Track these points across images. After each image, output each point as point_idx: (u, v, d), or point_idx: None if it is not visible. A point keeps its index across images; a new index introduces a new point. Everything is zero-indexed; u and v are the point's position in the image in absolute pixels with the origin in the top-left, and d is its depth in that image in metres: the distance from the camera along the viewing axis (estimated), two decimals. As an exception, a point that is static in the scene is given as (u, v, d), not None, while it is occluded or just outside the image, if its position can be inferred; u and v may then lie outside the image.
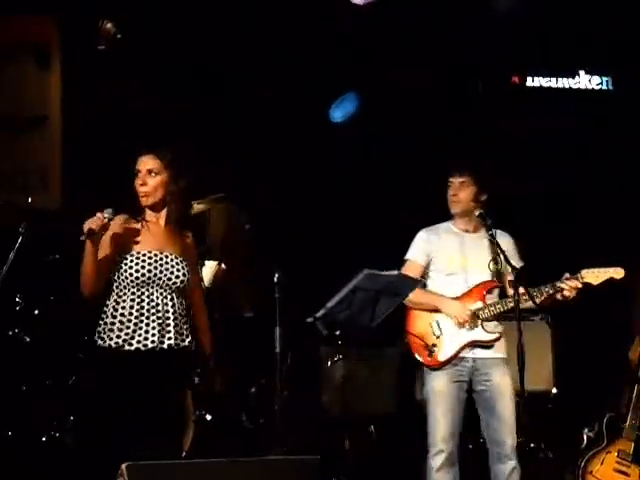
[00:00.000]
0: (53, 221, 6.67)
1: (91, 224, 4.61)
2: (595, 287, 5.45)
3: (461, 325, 5.57)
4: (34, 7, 7.46)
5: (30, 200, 6.40)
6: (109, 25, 7.25)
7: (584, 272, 5.43)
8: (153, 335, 4.70)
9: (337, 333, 5.88)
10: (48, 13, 7.55)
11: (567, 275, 5.45)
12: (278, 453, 5.79)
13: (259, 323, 6.86)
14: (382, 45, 7.85)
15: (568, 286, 5.41)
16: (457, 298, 5.63)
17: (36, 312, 6.33)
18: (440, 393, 5.56)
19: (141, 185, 4.82)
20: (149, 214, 4.89)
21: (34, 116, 7.63)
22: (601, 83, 8.50)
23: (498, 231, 5.63)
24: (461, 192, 5.68)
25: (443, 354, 5.58)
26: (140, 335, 4.69)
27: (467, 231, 5.74)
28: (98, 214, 4.66)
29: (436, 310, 5.63)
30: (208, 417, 6.39)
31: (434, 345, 5.59)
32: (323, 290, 5.62)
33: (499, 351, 5.60)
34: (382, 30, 7.75)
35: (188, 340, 4.83)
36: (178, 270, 4.80)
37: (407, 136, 7.99)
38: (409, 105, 8.04)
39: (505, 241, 5.64)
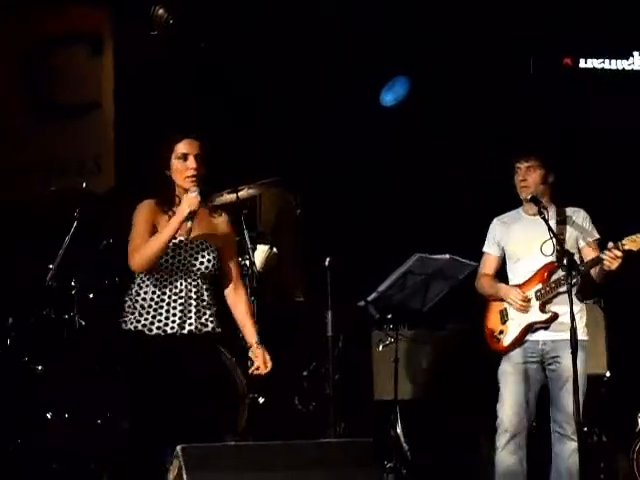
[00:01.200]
0: (107, 205, 6.71)
1: (193, 206, 4.57)
2: (637, 253, 5.35)
3: (520, 310, 5.59)
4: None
5: (84, 185, 6.44)
6: (161, 11, 7.28)
7: (625, 240, 5.35)
8: (173, 322, 4.69)
9: (389, 317, 5.89)
10: (101, 0, 7.63)
11: (610, 244, 5.39)
12: (330, 436, 5.82)
13: (310, 307, 6.89)
14: (433, 25, 7.82)
15: (608, 257, 5.34)
16: (524, 283, 5.63)
17: (91, 296, 6.37)
18: (507, 374, 5.60)
19: (194, 168, 4.70)
20: (169, 199, 4.77)
21: (88, 102, 7.72)
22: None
23: (571, 209, 5.65)
24: (529, 176, 5.63)
25: (507, 339, 5.62)
26: (160, 321, 4.68)
27: (534, 215, 5.63)
28: (192, 195, 4.60)
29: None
30: (261, 400, 6.43)
31: (501, 332, 5.64)
32: (374, 274, 5.65)
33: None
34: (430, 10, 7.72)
35: (212, 325, 4.78)
36: (203, 256, 4.74)
37: (461, 118, 7.95)
38: (460, 85, 8.00)
39: (580, 217, 5.64)
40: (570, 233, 5.61)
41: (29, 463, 5.98)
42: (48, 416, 6.08)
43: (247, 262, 6.43)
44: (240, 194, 6.49)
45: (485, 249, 5.83)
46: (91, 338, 6.28)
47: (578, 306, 5.50)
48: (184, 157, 4.72)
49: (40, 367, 6.18)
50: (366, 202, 7.77)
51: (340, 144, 7.75)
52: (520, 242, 5.68)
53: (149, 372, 4.66)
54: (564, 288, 5.41)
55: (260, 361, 4.87)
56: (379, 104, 8.15)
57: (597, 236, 5.65)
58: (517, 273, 5.69)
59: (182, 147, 4.73)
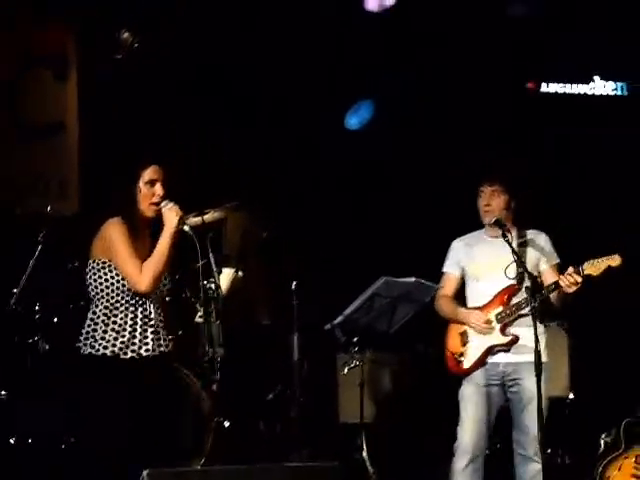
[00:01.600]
0: (71, 228, 6.69)
1: (179, 213, 4.68)
2: (596, 278, 5.38)
3: (482, 333, 5.62)
4: (50, 18, 7.53)
5: (49, 209, 6.42)
6: (126, 35, 7.31)
7: (585, 264, 5.39)
8: (147, 344, 4.72)
9: (355, 340, 5.92)
10: (65, 24, 7.62)
11: (569, 269, 5.41)
12: (295, 459, 5.82)
13: (276, 330, 6.90)
14: (398, 51, 7.88)
15: (568, 281, 5.38)
16: (484, 305, 5.65)
17: (55, 320, 6.34)
18: (468, 396, 5.60)
19: (159, 195, 4.74)
20: (142, 224, 4.80)
21: (52, 124, 7.70)
22: (616, 89, 8.50)
23: (532, 231, 5.69)
24: (493, 201, 5.67)
25: (467, 361, 5.63)
26: (135, 345, 4.70)
27: (496, 237, 5.69)
28: (169, 205, 4.70)
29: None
30: (226, 424, 6.42)
31: (461, 354, 5.65)
32: (340, 298, 5.67)
33: (531, 355, 5.59)
34: (398, 36, 7.78)
35: (171, 344, 4.89)
36: (166, 279, 4.83)
37: (427, 143, 8.01)
38: (425, 111, 8.07)
39: (541, 240, 5.68)
40: (531, 256, 5.64)
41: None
42: (11, 441, 6.04)
43: (213, 285, 6.42)
44: (206, 217, 6.49)
45: (445, 269, 5.83)
46: (55, 362, 6.25)
47: (539, 328, 5.55)
48: (151, 183, 4.76)
49: (3, 392, 6.14)
50: (333, 226, 7.82)
51: (306, 167, 7.82)
52: (482, 264, 5.70)
53: (123, 395, 4.64)
54: (525, 311, 5.44)
55: None
56: (343, 126, 8.21)
57: (557, 260, 5.68)
58: (477, 294, 5.70)
59: (150, 173, 4.76)
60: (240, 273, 6.77)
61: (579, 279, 5.36)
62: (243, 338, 6.78)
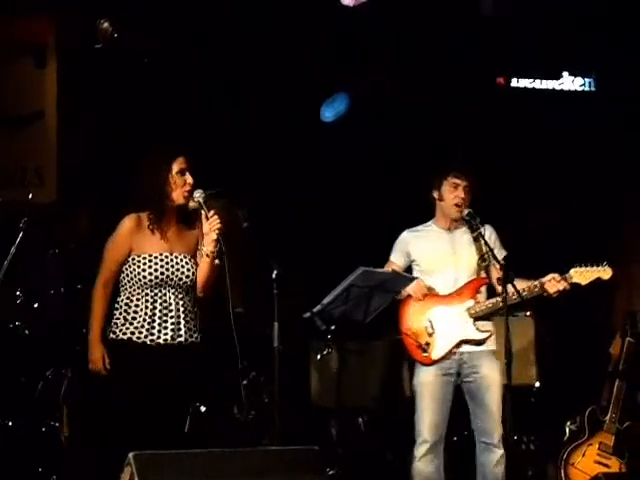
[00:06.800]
0: (49, 216, 6.76)
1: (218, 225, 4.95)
2: (583, 287, 5.53)
3: (418, 300, 5.69)
4: (31, 7, 7.58)
5: (30, 196, 6.50)
6: (106, 24, 7.35)
7: (572, 272, 5.50)
8: (165, 334, 4.84)
9: (332, 328, 6.03)
10: (45, 13, 7.66)
11: (555, 276, 5.53)
12: (268, 445, 5.91)
13: (249, 318, 6.98)
14: (373, 45, 7.98)
15: (555, 288, 5.50)
16: (448, 296, 5.73)
17: (35, 305, 6.43)
18: (427, 385, 5.68)
19: (190, 183, 4.92)
20: (171, 212, 4.94)
21: (31, 113, 7.75)
22: (584, 84, 8.65)
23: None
24: (466, 195, 5.76)
25: (436, 352, 5.68)
26: (153, 334, 4.83)
27: (449, 229, 5.84)
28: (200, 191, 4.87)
29: (428, 309, 5.75)
30: (202, 409, 6.52)
31: (427, 344, 5.69)
32: (318, 286, 5.79)
33: (488, 344, 5.71)
34: (373, 31, 7.88)
35: (196, 335, 4.97)
36: (188, 270, 4.94)
37: (401, 134, 8.13)
38: (399, 104, 8.18)
39: (487, 233, 5.75)
40: (483, 248, 5.71)
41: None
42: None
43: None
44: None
45: (392, 258, 5.90)
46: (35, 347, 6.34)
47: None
48: (181, 172, 4.91)
49: (-16, 376, 6.24)
50: (313, 215, 7.93)
51: (286, 155, 7.91)
52: (440, 255, 5.78)
53: (140, 378, 4.78)
54: (499, 306, 5.49)
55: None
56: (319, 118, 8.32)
57: (504, 252, 5.75)
58: (435, 287, 5.76)
59: (179, 164, 4.92)
60: (217, 261, 6.86)
61: (567, 287, 5.49)
62: (217, 325, 6.86)
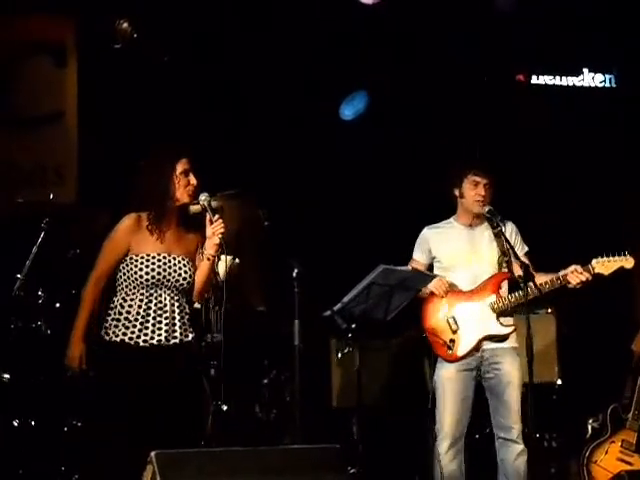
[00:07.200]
0: (69, 216, 6.78)
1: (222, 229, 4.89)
2: (606, 277, 5.52)
3: (441, 297, 5.70)
4: (51, 7, 7.60)
5: (52, 196, 6.53)
6: (125, 25, 7.37)
7: (594, 262, 5.50)
8: (159, 335, 4.84)
9: (353, 326, 6.03)
10: (65, 13, 7.68)
11: (577, 267, 5.52)
12: (289, 444, 5.92)
13: (271, 316, 7.00)
14: (391, 44, 7.97)
15: (578, 279, 5.50)
16: (470, 292, 5.74)
17: (57, 305, 6.45)
18: (448, 381, 5.71)
19: (194, 184, 4.94)
20: (172, 212, 4.95)
21: (51, 112, 7.77)
22: (604, 81, 8.60)
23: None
24: (487, 192, 5.77)
25: (461, 349, 5.71)
26: (147, 335, 4.83)
27: (470, 226, 5.85)
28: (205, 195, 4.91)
29: (451, 305, 5.75)
30: (224, 407, 6.54)
31: (452, 341, 5.71)
32: (338, 285, 5.78)
33: (509, 341, 5.71)
34: (391, 29, 7.88)
35: (192, 335, 4.97)
36: (185, 272, 4.93)
37: (421, 132, 8.12)
38: (418, 102, 8.17)
39: (508, 230, 5.77)
40: (502, 245, 5.72)
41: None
42: (15, 424, 6.16)
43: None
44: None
45: (415, 256, 5.92)
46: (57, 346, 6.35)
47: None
48: (185, 173, 4.92)
49: (7, 376, 6.24)
50: (334, 213, 7.92)
51: (309, 154, 7.91)
52: (460, 252, 5.80)
53: (133, 380, 4.78)
54: (522, 300, 5.48)
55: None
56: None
57: (526, 248, 5.78)
58: (455, 283, 5.78)
59: (183, 165, 4.93)
60: (237, 260, 6.88)
61: (589, 277, 5.48)
62: (238, 324, 6.88)
